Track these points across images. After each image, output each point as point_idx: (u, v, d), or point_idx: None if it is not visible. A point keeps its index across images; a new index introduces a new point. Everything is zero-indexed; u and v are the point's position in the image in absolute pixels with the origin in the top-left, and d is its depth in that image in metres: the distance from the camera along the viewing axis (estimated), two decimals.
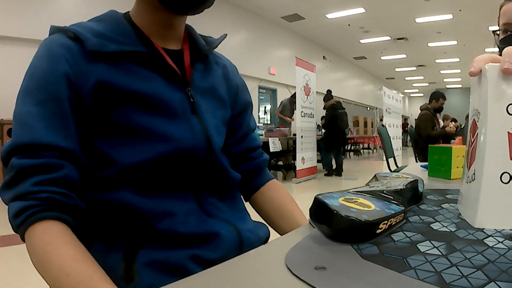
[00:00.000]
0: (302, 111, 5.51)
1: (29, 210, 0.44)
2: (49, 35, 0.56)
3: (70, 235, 0.46)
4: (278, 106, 6.66)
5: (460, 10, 8.08)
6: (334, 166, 6.26)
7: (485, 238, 0.39)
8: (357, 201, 0.42)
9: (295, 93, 5.67)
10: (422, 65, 14.35)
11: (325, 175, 6.23)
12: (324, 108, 6.09)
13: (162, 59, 0.58)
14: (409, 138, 9.53)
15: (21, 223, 0.45)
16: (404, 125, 11.73)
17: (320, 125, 7.25)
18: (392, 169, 3.36)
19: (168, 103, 0.56)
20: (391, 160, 3.58)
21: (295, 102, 5.65)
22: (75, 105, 0.51)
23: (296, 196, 4.64)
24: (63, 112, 0.50)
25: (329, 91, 6.20)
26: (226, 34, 0.70)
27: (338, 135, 5.99)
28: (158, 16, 0.59)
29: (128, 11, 0.62)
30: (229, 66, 0.74)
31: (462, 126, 4.76)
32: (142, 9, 0.59)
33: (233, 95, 0.71)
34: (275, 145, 5.06)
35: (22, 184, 0.45)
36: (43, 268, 0.43)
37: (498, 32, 1.09)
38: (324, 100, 6.08)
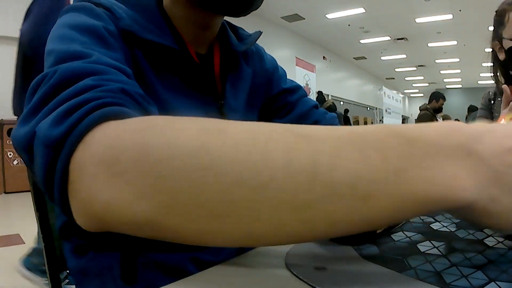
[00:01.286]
0: None
1: (92, 102, 0.24)
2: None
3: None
4: None
5: (460, 10, 8.07)
6: None
7: (485, 238, 0.39)
8: None
9: None
10: (422, 65, 14.34)
11: None
12: None
13: (193, 64, 0.50)
14: None
15: (74, 123, 0.23)
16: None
17: None
18: None
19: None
20: None
21: None
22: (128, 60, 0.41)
23: None
24: (118, 57, 0.37)
25: (320, 92, 6.23)
26: (261, 32, 0.61)
27: None
28: (195, 14, 0.51)
29: None
30: (256, 55, 0.64)
31: None
32: (176, 2, 0.50)
33: (265, 89, 0.63)
34: None
35: (73, 87, 0.26)
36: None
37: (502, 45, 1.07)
38: (317, 101, 6.10)
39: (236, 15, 0.49)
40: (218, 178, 0.19)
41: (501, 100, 1.21)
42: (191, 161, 0.20)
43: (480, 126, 0.23)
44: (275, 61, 0.68)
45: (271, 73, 0.65)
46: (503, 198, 0.21)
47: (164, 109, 0.46)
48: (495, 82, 1.23)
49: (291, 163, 0.20)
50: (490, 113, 1.25)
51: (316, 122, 0.65)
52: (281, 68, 0.69)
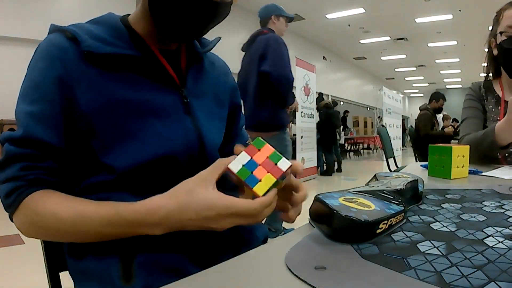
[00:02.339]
0: (302, 111, 5.51)
1: (18, 190, 0.49)
2: (48, 33, 0.56)
3: (65, 194, 0.51)
4: None
5: (460, 10, 8.08)
6: (325, 167, 6.32)
7: (485, 238, 0.39)
8: (357, 201, 0.42)
9: None
10: (422, 65, 14.34)
11: (321, 174, 6.23)
12: (317, 108, 6.15)
13: (156, 62, 0.59)
14: (408, 138, 9.54)
15: (12, 202, 0.49)
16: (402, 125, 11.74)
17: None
18: (392, 169, 3.35)
19: (158, 106, 0.57)
20: (391, 160, 3.58)
21: None
22: (66, 107, 0.52)
23: None
24: (53, 112, 0.52)
25: (320, 94, 6.33)
26: (220, 37, 0.72)
27: (333, 133, 6.07)
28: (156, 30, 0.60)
29: (127, 15, 0.63)
30: (223, 69, 0.75)
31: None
32: (142, 17, 0.60)
33: (231, 94, 0.73)
34: None
35: (11, 168, 0.50)
36: (66, 228, 0.48)
37: (501, 36, 1.11)
38: (317, 102, 6.15)
39: (182, 42, 0.65)
40: (57, 230, 0.49)
41: (493, 100, 1.22)
42: (49, 226, 0.49)
43: (174, 203, 0.45)
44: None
45: (235, 88, 0.77)
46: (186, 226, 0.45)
47: (133, 107, 0.54)
48: (485, 78, 1.28)
49: (83, 230, 0.48)
50: (481, 104, 1.26)
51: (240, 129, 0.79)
52: None
